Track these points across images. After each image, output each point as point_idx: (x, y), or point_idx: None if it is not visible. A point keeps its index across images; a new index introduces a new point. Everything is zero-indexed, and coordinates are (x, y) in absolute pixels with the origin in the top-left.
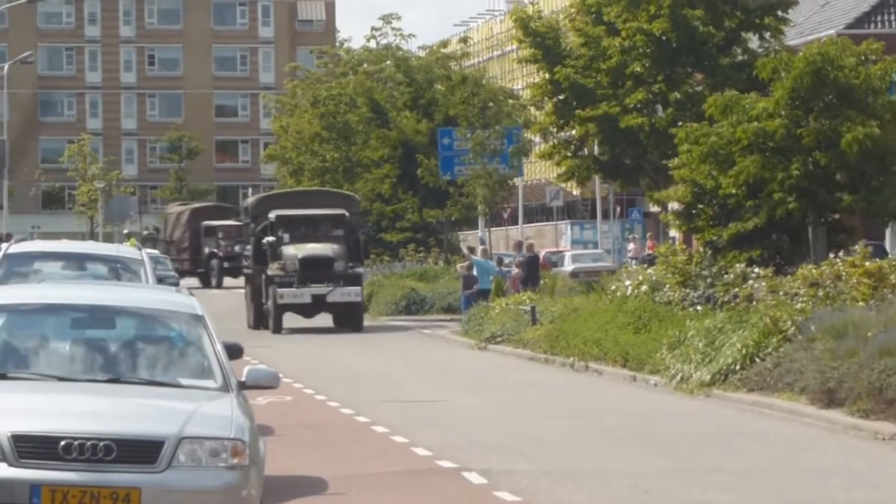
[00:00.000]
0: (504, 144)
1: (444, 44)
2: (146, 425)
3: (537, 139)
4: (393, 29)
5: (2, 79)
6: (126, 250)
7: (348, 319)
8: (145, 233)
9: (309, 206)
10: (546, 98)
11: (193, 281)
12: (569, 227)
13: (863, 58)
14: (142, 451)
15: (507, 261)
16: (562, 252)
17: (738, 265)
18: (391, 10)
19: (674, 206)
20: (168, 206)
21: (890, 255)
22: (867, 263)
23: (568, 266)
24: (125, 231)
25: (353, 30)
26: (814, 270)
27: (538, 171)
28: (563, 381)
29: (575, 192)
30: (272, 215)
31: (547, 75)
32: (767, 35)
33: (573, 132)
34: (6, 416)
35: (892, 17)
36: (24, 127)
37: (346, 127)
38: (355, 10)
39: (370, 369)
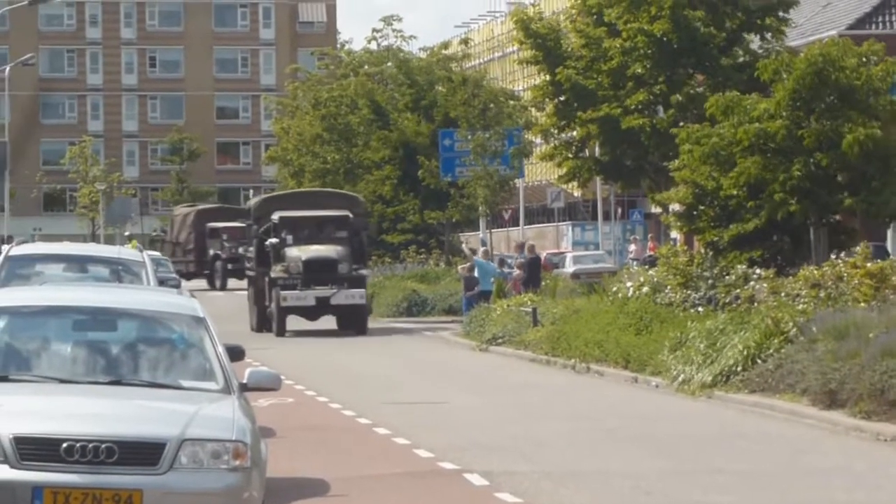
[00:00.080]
0: (505, 146)
1: (445, 45)
2: (148, 427)
3: (538, 140)
4: (394, 30)
5: (3, 81)
6: (127, 252)
7: (352, 322)
8: (153, 234)
9: (312, 208)
10: (547, 99)
11: (202, 283)
12: (570, 228)
13: (864, 59)
14: (143, 453)
15: (508, 262)
16: (563, 253)
17: (739, 266)
18: (392, 12)
19: (675, 207)
20: (174, 208)
21: (891, 256)
22: (868, 264)
23: (569, 267)
24: (126, 233)
25: (354, 31)
26: (815, 271)
27: (539, 172)
28: (564, 382)
29: (576, 194)
30: (275, 217)
31: (548, 76)
32: (769, 36)
33: (574, 133)
34: (8, 419)
35: (894, 18)
36: (25, 129)
37: (347, 128)
38: (356, 12)
39: (372, 371)
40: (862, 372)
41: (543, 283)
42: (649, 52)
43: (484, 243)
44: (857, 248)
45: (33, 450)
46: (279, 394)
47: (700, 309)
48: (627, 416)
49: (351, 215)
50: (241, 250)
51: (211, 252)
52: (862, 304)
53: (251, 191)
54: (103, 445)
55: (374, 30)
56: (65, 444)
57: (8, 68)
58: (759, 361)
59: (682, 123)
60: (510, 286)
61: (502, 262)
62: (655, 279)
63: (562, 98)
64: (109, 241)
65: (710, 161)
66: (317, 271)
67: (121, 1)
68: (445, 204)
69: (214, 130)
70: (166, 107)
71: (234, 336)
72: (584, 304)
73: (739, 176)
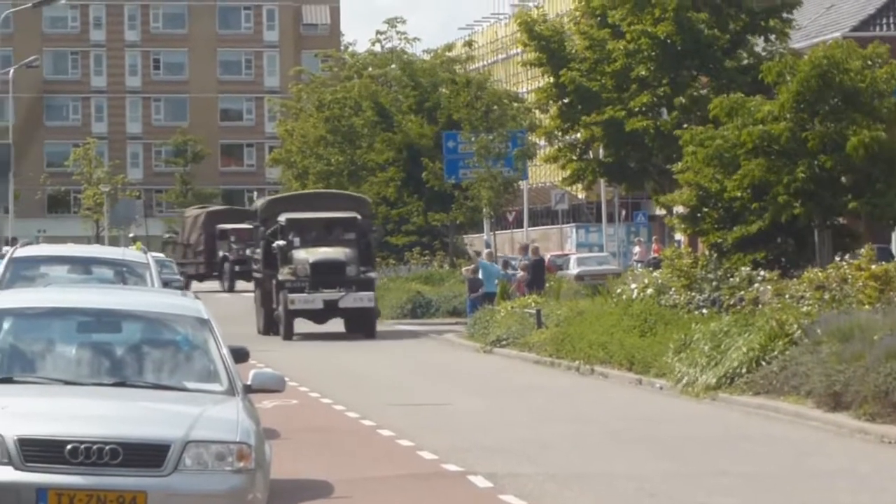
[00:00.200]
0: (508, 148)
1: (449, 47)
2: (152, 429)
3: (542, 142)
4: (398, 33)
5: (7, 83)
6: (132, 254)
7: (360, 325)
8: (165, 236)
9: (320, 209)
10: (551, 101)
11: (214, 284)
12: (574, 230)
13: (869, 61)
14: (148, 455)
15: (512, 264)
16: (567, 255)
17: (743, 268)
18: (396, 14)
19: (679, 209)
20: (186, 210)
21: None
22: (873, 267)
23: (573, 269)
24: (131, 235)
25: (358, 33)
26: (819, 273)
27: (543, 174)
28: (568, 384)
29: (580, 196)
30: (282, 218)
31: (552, 79)
32: (772, 38)
33: (578, 135)
34: (13, 420)
35: None
36: (29, 131)
37: (351, 130)
38: (360, 14)
39: (375, 373)
40: (866, 374)
41: (547, 285)
42: (653, 54)
43: (488, 245)
44: (862, 250)
45: (38, 451)
46: (283, 395)
47: (704, 311)
48: (632, 418)
49: (359, 217)
50: (248, 252)
51: (220, 254)
52: (866, 307)
53: (255, 192)
54: (107, 447)
55: (377, 32)
56: (69, 446)
57: (12, 70)
58: (763, 363)
59: (685, 125)
60: (514, 288)
61: (506, 264)
62: (659, 281)
63: (565, 100)
64: (113, 242)
65: (713, 163)
66: (325, 274)
67: (125, 3)
68: (449, 206)
69: (218, 132)
70: (170, 109)
71: (241, 339)
72: (588, 305)
73: (743, 178)
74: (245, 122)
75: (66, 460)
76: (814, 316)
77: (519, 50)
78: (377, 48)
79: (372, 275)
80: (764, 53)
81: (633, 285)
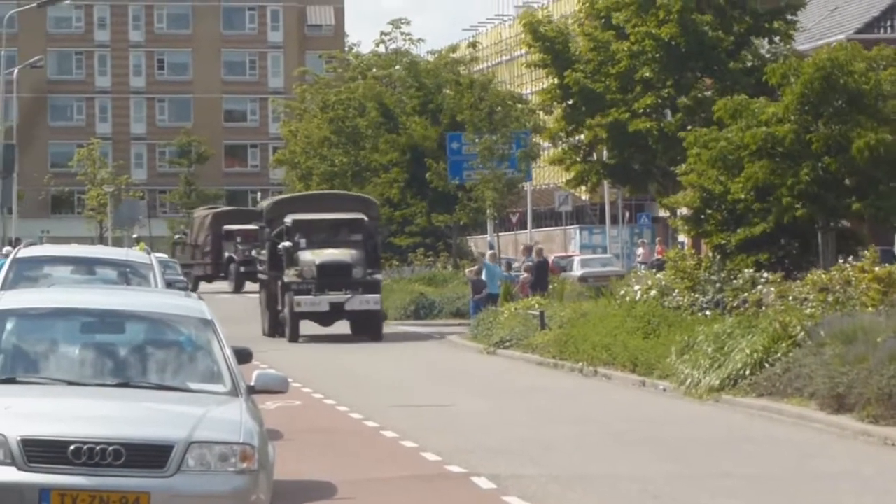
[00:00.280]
0: (512, 149)
1: (454, 48)
2: (155, 430)
3: (546, 144)
4: (402, 34)
5: (11, 83)
6: (135, 255)
7: (367, 328)
8: (175, 237)
9: (326, 210)
10: (555, 103)
11: (222, 285)
12: (578, 231)
13: (873, 63)
14: (151, 456)
15: (515, 265)
16: (571, 257)
17: (746, 270)
18: (400, 15)
19: (682, 211)
20: (195, 210)
21: None
22: (876, 269)
23: (577, 271)
24: (134, 235)
25: (363, 34)
26: (823, 275)
27: (547, 175)
28: (571, 385)
29: (584, 197)
30: (288, 219)
31: (556, 80)
32: (777, 40)
33: (582, 137)
34: (16, 421)
35: None
36: (33, 131)
37: (355, 131)
38: (364, 15)
39: (379, 374)
40: (870, 376)
41: (551, 287)
42: (657, 55)
43: (492, 246)
44: (865, 252)
45: (41, 452)
46: (287, 396)
47: (708, 312)
48: (635, 420)
49: (366, 218)
50: (253, 253)
51: (226, 255)
52: (870, 309)
53: (258, 193)
54: (111, 448)
55: (382, 33)
56: (72, 447)
57: (16, 70)
58: (766, 365)
59: (689, 127)
60: (517, 289)
61: (509, 266)
62: (663, 283)
63: (570, 102)
64: (117, 243)
65: (717, 165)
66: (331, 276)
67: (129, 3)
68: (453, 207)
69: (222, 133)
70: (174, 109)
71: (246, 340)
72: (591, 307)
73: (747, 180)
74: (249, 122)
75: (70, 461)
76: (817, 318)
77: (523, 51)
78: (381, 49)
79: (378, 277)
80: (768, 55)
81: (637, 287)
